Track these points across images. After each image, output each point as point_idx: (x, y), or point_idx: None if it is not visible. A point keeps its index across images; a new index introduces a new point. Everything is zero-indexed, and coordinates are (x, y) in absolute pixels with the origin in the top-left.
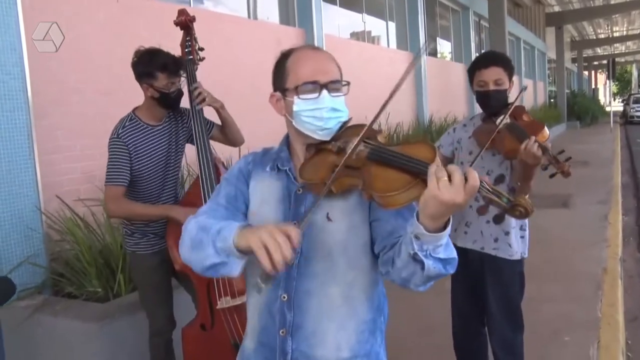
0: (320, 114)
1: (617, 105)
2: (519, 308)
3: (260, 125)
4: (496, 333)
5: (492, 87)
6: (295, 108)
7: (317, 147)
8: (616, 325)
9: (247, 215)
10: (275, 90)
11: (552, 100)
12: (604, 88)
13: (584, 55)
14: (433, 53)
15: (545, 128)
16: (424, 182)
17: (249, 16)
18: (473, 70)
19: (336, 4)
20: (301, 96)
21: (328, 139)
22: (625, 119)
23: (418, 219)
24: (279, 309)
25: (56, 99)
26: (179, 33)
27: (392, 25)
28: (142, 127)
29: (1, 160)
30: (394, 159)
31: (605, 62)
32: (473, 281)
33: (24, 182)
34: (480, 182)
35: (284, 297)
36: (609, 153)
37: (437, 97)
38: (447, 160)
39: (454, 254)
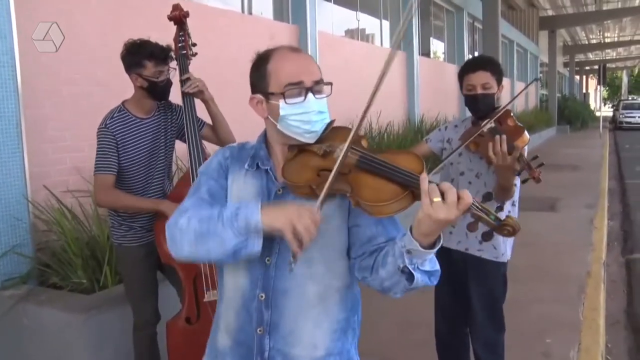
0: (308, 118)
1: (606, 111)
2: (501, 309)
3: (251, 120)
4: (478, 333)
5: (479, 91)
6: (282, 112)
7: (299, 148)
8: (597, 328)
9: None
10: (254, 92)
11: (543, 103)
12: (594, 93)
13: (576, 60)
14: (426, 53)
15: (526, 132)
16: (413, 194)
17: (242, 11)
18: (462, 74)
19: (331, 1)
20: (288, 100)
21: (313, 141)
22: (614, 124)
23: (412, 236)
24: (256, 307)
25: (47, 88)
26: (173, 26)
27: (386, 24)
28: (130, 119)
29: None
30: (383, 168)
31: (596, 67)
32: (456, 281)
33: (11, 171)
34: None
35: (262, 296)
36: (597, 158)
37: (429, 97)
38: (434, 156)
39: (437, 266)
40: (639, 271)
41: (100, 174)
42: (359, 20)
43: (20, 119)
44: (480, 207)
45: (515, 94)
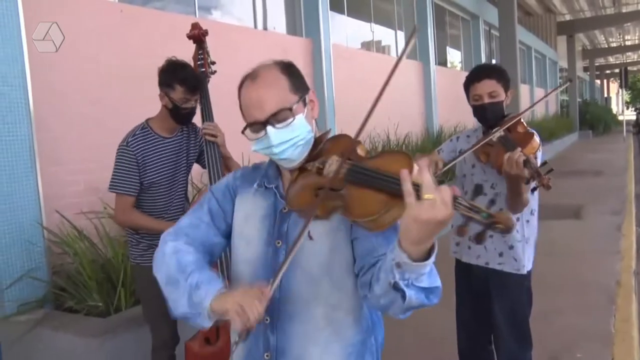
0: (270, 151)
1: (629, 114)
2: (527, 324)
3: None
4: (503, 349)
5: (487, 100)
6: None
7: (299, 167)
8: (631, 341)
9: (227, 234)
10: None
11: (564, 109)
12: (616, 97)
13: (596, 64)
14: (443, 62)
15: (535, 137)
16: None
17: (255, 26)
18: (467, 84)
19: (344, 14)
20: (250, 137)
21: (293, 166)
22: (638, 128)
23: (400, 246)
24: (262, 331)
25: (58, 110)
26: (183, 43)
27: (401, 35)
28: (153, 138)
29: (2, 173)
30: (370, 178)
31: (617, 70)
32: (478, 297)
33: (25, 195)
34: (456, 198)
35: (267, 320)
36: (622, 162)
37: (446, 107)
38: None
39: (437, 282)
40: None
41: (120, 195)
42: (373, 32)
43: (33, 142)
44: (468, 205)
45: (535, 100)
